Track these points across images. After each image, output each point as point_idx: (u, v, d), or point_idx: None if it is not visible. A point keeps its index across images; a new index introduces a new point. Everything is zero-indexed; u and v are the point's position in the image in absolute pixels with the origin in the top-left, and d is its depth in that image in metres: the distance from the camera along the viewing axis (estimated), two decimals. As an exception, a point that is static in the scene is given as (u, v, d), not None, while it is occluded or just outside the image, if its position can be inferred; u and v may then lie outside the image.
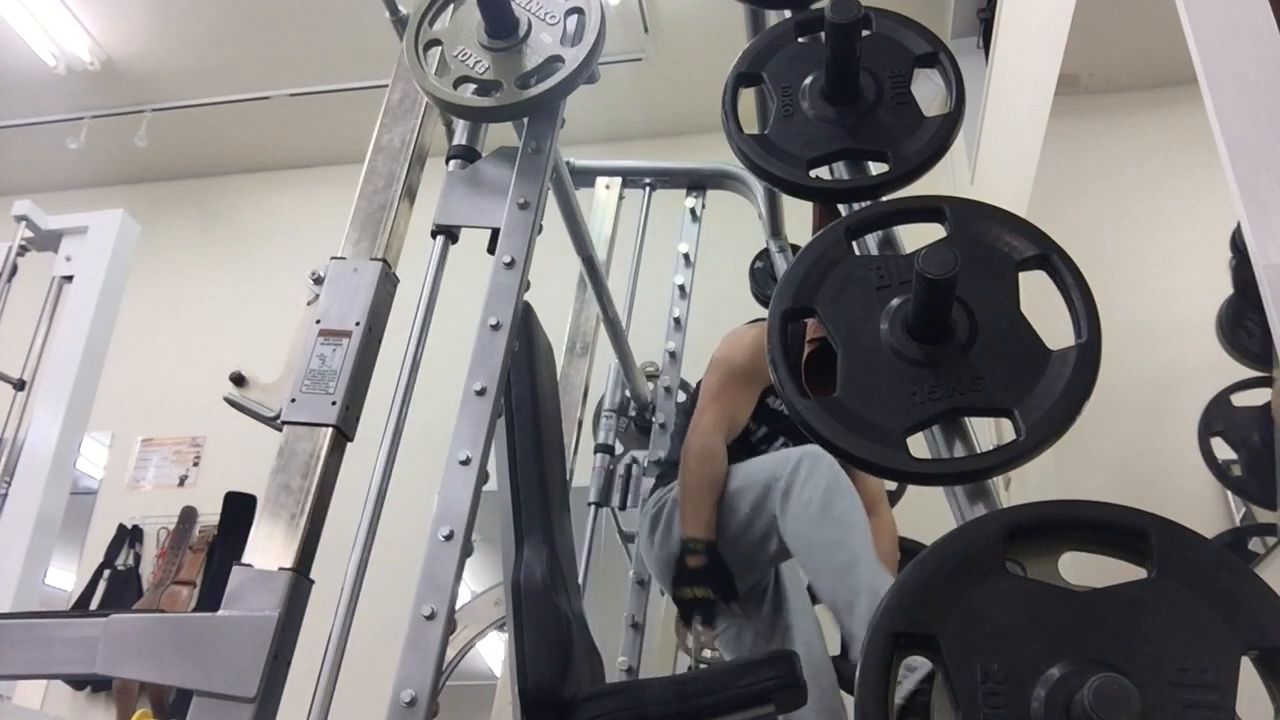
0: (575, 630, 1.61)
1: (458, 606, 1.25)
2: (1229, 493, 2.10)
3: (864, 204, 1.14)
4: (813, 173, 1.19)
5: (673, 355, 2.53)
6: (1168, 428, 2.36)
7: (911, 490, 2.74)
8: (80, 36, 4.36)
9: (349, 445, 1.34)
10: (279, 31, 4.37)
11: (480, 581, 3.31)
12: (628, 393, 2.56)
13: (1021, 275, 0.99)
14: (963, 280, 0.91)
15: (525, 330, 1.78)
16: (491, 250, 1.48)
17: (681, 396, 2.86)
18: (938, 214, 1.04)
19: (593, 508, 2.33)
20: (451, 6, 1.61)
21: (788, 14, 1.31)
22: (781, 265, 2.62)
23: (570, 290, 2.52)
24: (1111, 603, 0.76)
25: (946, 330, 0.95)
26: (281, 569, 1.19)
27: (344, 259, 1.43)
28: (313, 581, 1.23)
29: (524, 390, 1.78)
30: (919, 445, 0.93)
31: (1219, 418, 2.08)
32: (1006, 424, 0.92)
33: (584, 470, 2.37)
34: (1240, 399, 2.06)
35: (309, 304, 1.40)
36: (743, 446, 2.07)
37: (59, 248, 2.73)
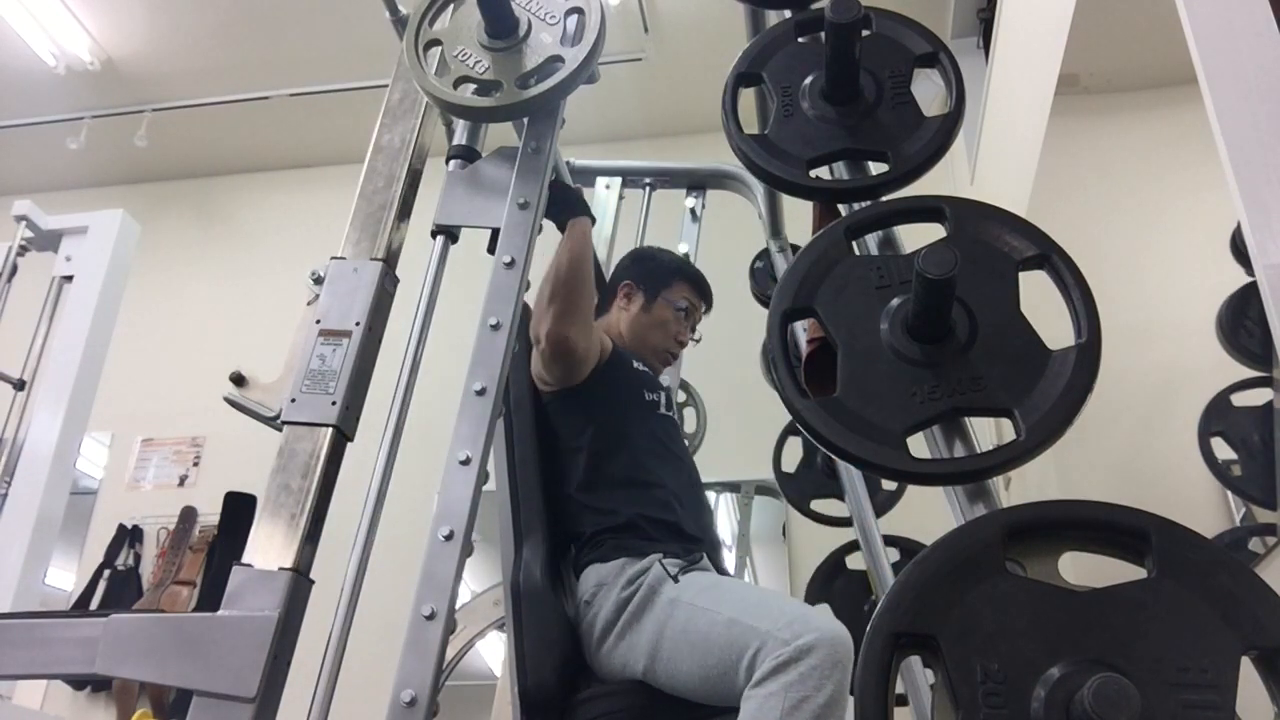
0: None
1: (458, 606, 1.25)
2: (1229, 493, 2.10)
3: (864, 204, 1.14)
4: (813, 173, 1.19)
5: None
6: (1168, 428, 2.36)
7: (911, 490, 2.74)
8: (80, 36, 4.36)
9: (349, 445, 1.34)
10: (279, 31, 4.37)
11: (480, 581, 3.31)
12: (628, 392, 2.55)
13: (1021, 275, 0.99)
14: (963, 280, 0.91)
15: (525, 330, 1.78)
16: (491, 250, 1.48)
17: (682, 396, 2.86)
18: (938, 214, 1.04)
19: (593, 508, 2.32)
20: (451, 6, 1.61)
21: (788, 14, 1.31)
22: (781, 265, 2.62)
23: (571, 290, 2.51)
24: (1111, 603, 0.76)
25: (946, 330, 0.95)
26: (281, 569, 1.19)
27: (344, 259, 1.43)
28: (313, 581, 1.23)
29: (524, 390, 1.78)
30: (919, 445, 0.93)
31: (1219, 418, 2.07)
32: (1006, 424, 0.92)
33: (584, 470, 2.36)
34: (1240, 399, 2.06)
35: (309, 304, 1.40)
36: (643, 417, 1.79)
37: (59, 248, 2.73)
